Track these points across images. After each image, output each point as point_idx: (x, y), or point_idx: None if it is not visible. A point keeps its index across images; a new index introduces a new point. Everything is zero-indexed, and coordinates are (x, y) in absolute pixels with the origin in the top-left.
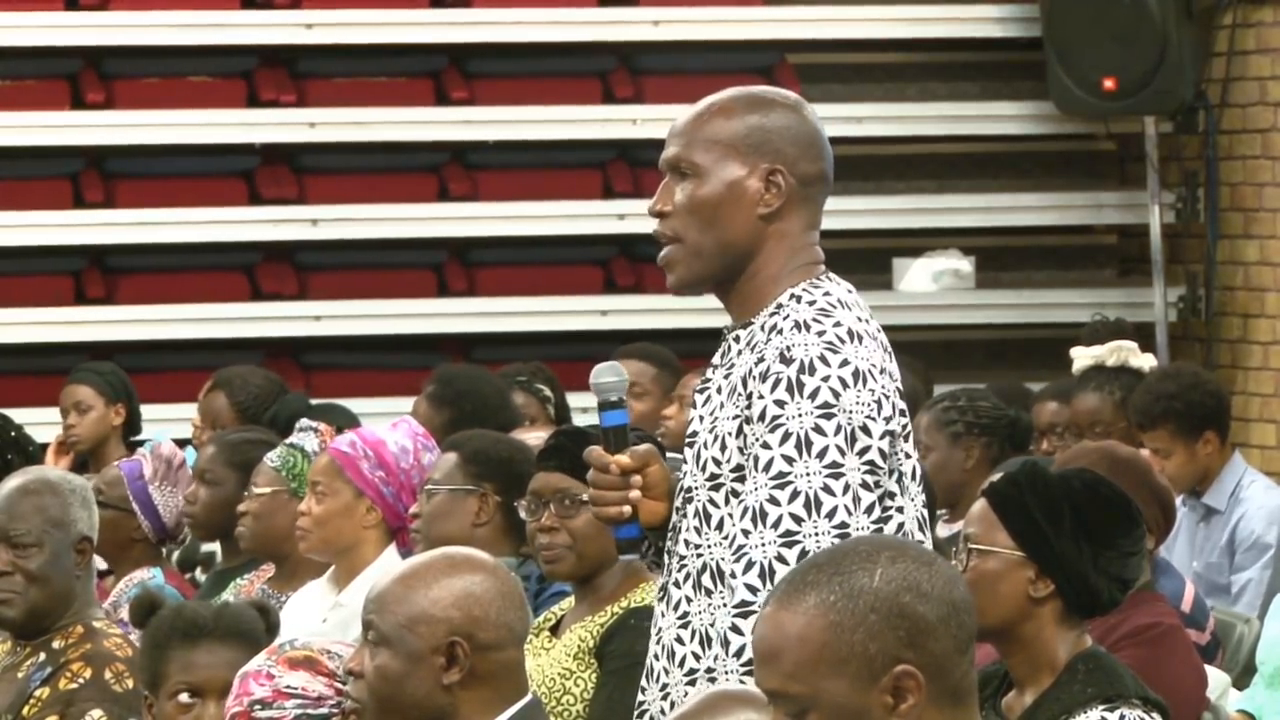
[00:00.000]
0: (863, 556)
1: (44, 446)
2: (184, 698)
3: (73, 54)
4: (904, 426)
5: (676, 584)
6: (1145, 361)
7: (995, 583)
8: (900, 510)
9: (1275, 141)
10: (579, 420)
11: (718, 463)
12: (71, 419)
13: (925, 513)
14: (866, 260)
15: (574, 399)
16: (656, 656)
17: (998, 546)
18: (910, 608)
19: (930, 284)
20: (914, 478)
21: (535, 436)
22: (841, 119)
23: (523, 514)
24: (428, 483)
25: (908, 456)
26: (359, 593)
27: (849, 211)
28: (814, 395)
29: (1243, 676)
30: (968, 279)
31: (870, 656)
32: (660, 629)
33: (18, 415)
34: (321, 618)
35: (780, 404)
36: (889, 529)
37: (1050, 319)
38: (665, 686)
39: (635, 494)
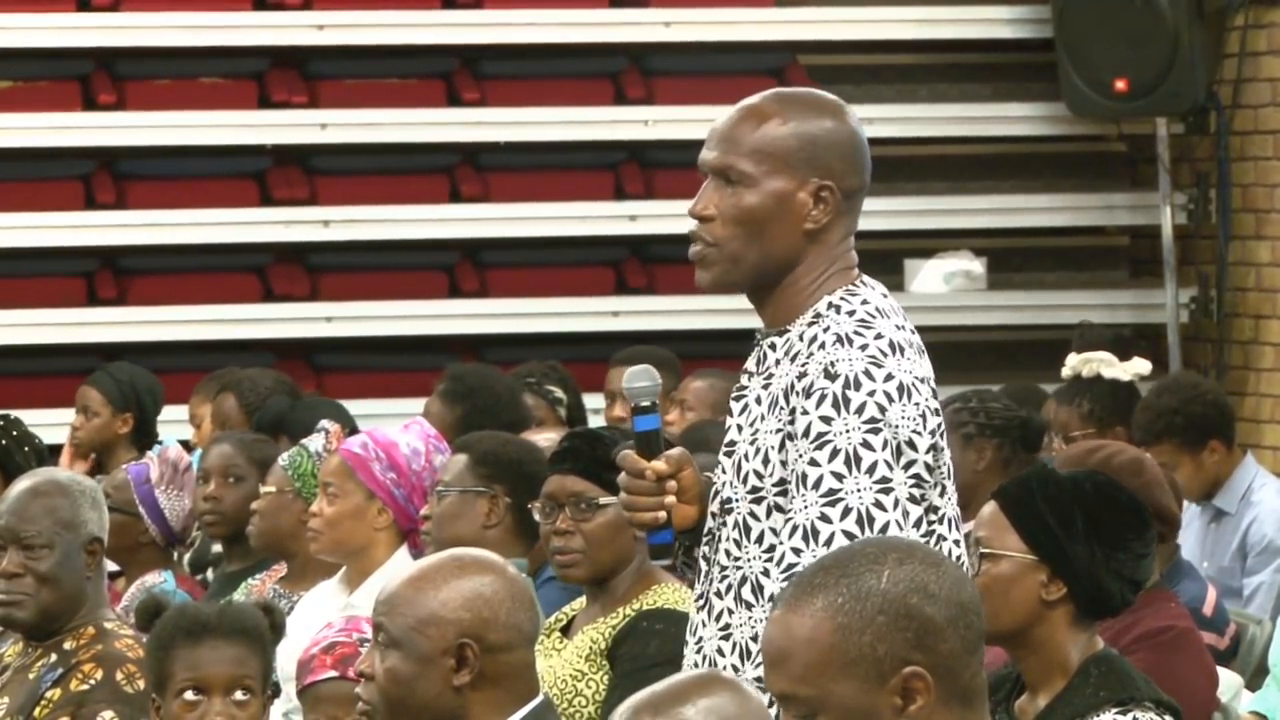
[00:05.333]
0: (870, 558)
1: (54, 448)
2: (189, 695)
3: (84, 55)
4: (939, 426)
5: (719, 594)
6: (1123, 371)
7: (1007, 586)
8: (942, 520)
9: None
10: (594, 422)
11: (759, 475)
12: (77, 420)
13: (957, 510)
14: (878, 261)
15: (584, 400)
16: (696, 665)
17: (1009, 550)
18: (918, 609)
19: (941, 285)
20: (948, 476)
21: (544, 438)
22: None
23: (537, 516)
24: (438, 484)
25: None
26: (370, 594)
27: (860, 212)
28: (860, 410)
29: (1255, 678)
30: (979, 280)
31: (879, 658)
32: (701, 639)
33: (29, 416)
34: (333, 619)
35: (826, 420)
36: (930, 543)
37: (1061, 320)
38: None
39: (670, 499)
